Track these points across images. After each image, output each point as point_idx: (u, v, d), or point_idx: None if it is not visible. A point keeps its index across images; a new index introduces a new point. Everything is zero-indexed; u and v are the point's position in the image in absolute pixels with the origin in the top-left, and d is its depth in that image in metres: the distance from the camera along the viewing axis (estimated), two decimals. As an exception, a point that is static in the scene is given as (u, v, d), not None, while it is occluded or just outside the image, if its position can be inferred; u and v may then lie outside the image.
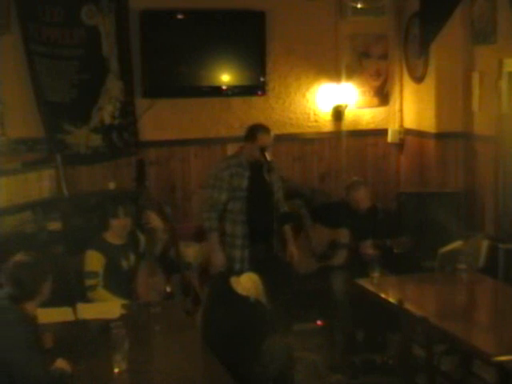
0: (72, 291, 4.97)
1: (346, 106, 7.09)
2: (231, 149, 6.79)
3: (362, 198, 5.99)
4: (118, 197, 5.64)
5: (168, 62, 6.53)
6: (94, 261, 4.91)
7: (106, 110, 6.37)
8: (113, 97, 6.38)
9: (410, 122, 7.16)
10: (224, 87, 6.72)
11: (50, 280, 3.76)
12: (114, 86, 6.37)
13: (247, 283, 4.10)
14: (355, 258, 5.79)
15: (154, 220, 5.20)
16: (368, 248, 5.75)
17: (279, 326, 4.78)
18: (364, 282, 5.04)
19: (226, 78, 6.71)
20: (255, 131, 5.42)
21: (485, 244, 5.75)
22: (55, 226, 5.91)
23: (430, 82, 6.74)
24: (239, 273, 4.38)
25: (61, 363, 3.57)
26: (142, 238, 5.18)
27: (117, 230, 5.06)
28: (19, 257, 3.73)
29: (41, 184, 6.00)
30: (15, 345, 3.42)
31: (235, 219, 5.42)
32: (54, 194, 6.08)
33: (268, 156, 5.38)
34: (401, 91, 7.24)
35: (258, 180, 5.44)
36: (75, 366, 3.59)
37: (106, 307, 4.50)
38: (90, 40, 6.24)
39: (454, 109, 6.63)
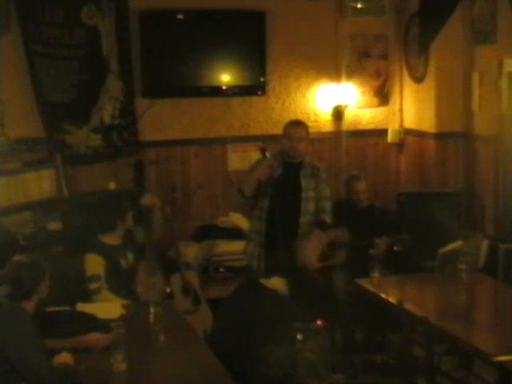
0: (72, 291, 4.97)
1: (346, 106, 7.09)
2: (231, 148, 6.80)
3: (363, 189, 5.99)
4: (121, 195, 5.63)
5: (168, 62, 6.53)
6: (95, 264, 4.90)
7: (106, 110, 6.37)
8: (113, 97, 6.38)
9: (409, 122, 7.15)
10: (224, 87, 6.72)
11: (47, 279, 3.75)
12: (113, 85, 6.37)
13: (275, 283, 4.22)
14: (355, 258, 5.79)
15: (151, 198, 5.21)
16: (382, 245, 5.70)
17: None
18: (364, 282, 5.05)
19: (226, 78, 6.72)
20: (285, 125, 5.40)
21: (485, 244, 5.76)
22: (55, 226, 5.91)
23: (430, 82, 6.74)
24: (257, 272, 4.44)
25: (64, 357, 3.56)
26: (138, 230, 5.16)
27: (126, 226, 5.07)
28: (17, 257, 3.73)
29: (41, 184, 6.00)
30: (20, 341, 3.41)
31: (261, 216, 5.25)
32: (54, 194, 6.08)
33: (315, 162, 5.35)
34: (401, 91, 7.24)
35: (287, 181, 5.25)
36: (78, 359, 3.59)
37: (106, 307, 4.50)
38: (89, 40, 6.23)
39: (454, 109, 6.63)
